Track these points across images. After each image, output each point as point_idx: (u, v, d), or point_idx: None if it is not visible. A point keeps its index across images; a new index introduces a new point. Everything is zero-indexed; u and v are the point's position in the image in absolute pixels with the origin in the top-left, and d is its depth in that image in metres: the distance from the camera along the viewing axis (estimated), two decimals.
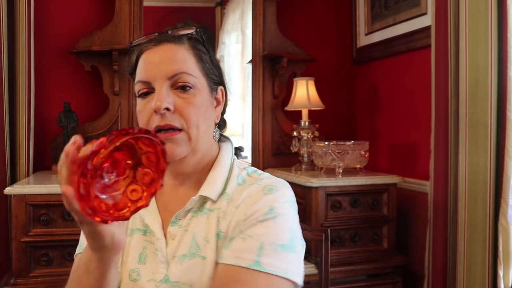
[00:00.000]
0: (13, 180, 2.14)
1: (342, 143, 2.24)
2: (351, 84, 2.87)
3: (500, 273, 1.75)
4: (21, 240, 1.82)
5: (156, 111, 0.84)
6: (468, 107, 1.81)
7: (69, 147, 0.64)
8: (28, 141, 2.20)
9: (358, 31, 2.79)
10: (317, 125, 2.44)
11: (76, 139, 0.64)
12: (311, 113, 2.49)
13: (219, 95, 0.95)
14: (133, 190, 0.68)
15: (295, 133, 2.44)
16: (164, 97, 0.84)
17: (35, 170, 2.26)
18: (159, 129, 0.84)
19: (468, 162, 1.82)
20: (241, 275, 0.78)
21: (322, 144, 2.25)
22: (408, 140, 2.42)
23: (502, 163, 1.74)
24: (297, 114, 2.51)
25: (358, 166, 2.28)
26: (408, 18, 2.35)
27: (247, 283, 0.78)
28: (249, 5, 2.84)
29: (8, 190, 1.83)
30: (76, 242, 1.70)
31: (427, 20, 2.17)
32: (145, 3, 2.48)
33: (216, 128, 0.95)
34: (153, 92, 0.87)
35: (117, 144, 0.64)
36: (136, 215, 0.89)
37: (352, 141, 2.27)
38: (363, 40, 2.76)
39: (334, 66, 2.84)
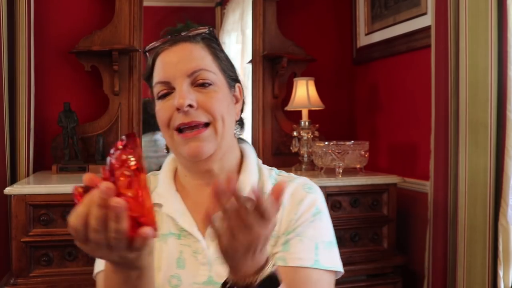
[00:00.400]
0: (13, 180, 2.14)
1: (342, 143, 2.24)
2: (351, 84, 2.87)
3: (500, 273, 1.74)
4: (21, 240, 1.82)
5: (179, 109, 0.83)
6: (468, 107, 1.81)
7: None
8: (28, 141, 2.20)
9: (358, 31, 2.79)
10: (317, 125, 2.44)
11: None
12: (311, 113, 2.49)
13: (237, 92, 0.95)
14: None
15: (295, 133, 2.44)
16: (186, 94, 0.84)
17: (35, 170, 2.26)
18: (182, 127, 0.84)
19: (468, 162, 1.82)
20: (307, 275, 0.83)
21: (322, 144, 2.25)
22: (408, 140, 2.42)
23: (502, 163, 1.74)
24: (297, 114, 2.51)
25: (358, 166, 2.28)
26: (408, 18, 2.35)
27: (315, 282, 0.83)
28: (249, 5, 2.84)
29: (8, 190, 1.83)
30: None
31: (427, 20, 2.17)
32: (145, 3, 2.48)
33: (237, 126, 0.95)
34: (172, 93, 0.86)
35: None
36: (168, 220, 0.89)
37: (352, 141, 2.27)
38: (363, 40, 2.76)
39: (334, 66, 2.84)
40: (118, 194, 0.57)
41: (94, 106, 2.45)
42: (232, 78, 0.93)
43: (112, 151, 0.61)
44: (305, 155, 2.42)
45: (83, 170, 2.24)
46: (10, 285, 1.82)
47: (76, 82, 2.43)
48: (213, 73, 0.88)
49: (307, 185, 0.92)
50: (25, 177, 2.16)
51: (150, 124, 2.96)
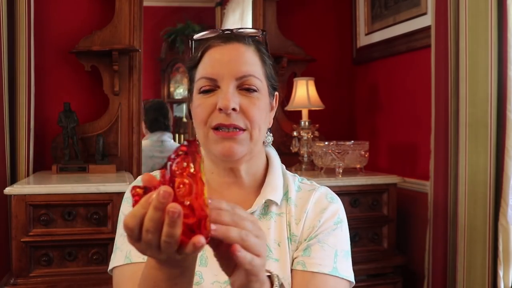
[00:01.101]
0: (13, 180, 2.14)
1: (342, 143, 2.24)
2: (351, 84, 2.87)
3: (500, 273, 1.75)
4: (21, 240, 1.82)
5: (221, 110, 0.83)
6: (468, 107, 1.81)
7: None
8: (28, 141, 2.20)
9: (358, 31, 2.79)
10: (317, 125, 2.44)
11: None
12: (311, 113, 2.49)
13: (274, 101, 0.96)
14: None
15: (295, 133, 2.44)
16: (232, 97, 0.84)
17: (35, 170, 2.26)
18: (219, 127, 0.84)
19: (468, 162, 1.82)
20: (324, 281, 0.85)
21: (322, 144, 2.25)
22: (408, 140, 2.42)
23: (502, 163, 1.74)
24: (297, 114, 2.51)
25: (358, 166, 2.28)
26: (408, 18, 2.35)
27: None
28: (249, 5, 2.84)
29: (8, 190, 1.83)
30: (75, 242, 1.71)
31: (427, 20, 2.17)
32: (145, 3, 2.48)
33: (268, 132, 0.96)
34: (215, 90, 0.86)
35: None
36: None
37: (352, 141, 2.27)
38: (363, 40, 2.76)
39: (334, 66, 2.84)
40: (175, 200, 0.58)
41: (94, 106, 2.45)
42: (274, 86, 0.94)
43: (173, 155, 0.62)
44: (305, 155, 2.42)
45: (83, 170, 2.24)
46: (10, 285, 1.82)
47: (76, 82, 2.43)
48: (260, 80, 0.88)
49: (329, 195, 0.95)
50: (25, 177, 2.16)
51: (159, 123, 2.98)
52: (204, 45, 0.89)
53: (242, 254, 0.60)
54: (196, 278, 0.86)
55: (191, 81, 0.93)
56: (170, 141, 3.01)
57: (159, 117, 2.98)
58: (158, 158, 2.83)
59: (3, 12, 2.09)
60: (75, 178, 2.04)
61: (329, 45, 2.83)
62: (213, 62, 0.87)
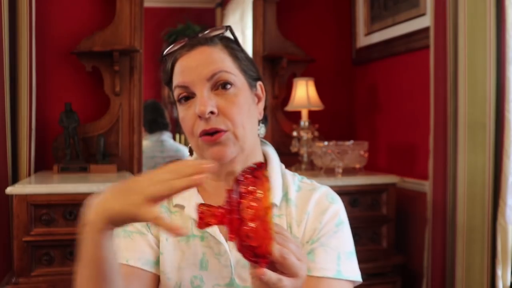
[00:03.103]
0: (15, 180, 2.15)
1: (341, 143, 2.25)
2: (351, 84, 2.88)
3: (499, 272, 1.75)
4: (23, 239, 1.83)
5: (200, 116, 0.83)
6: (467, 108, 1.82)
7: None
8: (30, 141, 2.21)
9: (358, 32, 2.80)
10: (316, 125, 2.45)
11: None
12: (311, 113, 2.50)
13: (259, 91, 0.95)
14: None
15: (295, 133, 2.45)
16: (207, 101, 0.83)
17: (36, 170, 2.27)
18: (204, 133, 0.84)
19: (467, 162, 1.82)
20: (329, 285, 0.85)
21: (321, 144, 2.25)
22: (407, 140, 2.43)
23: (501, 163, 1.75)
24: (297, 114, 2.52)
25: (357, 166, 2.29)
26: (407, 19, 2.36)
27: None
28: (249, 6, 2.85)
29: (9, 190, 1.84)
30: (77, 242, 1.70)
31: (426, 21, 2.18)
32: (146, 4, 2.49)
33: (261, 124, 0.95)
34: (193, 98, 0.86)
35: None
36: (192, 222, 0.90)
37: (352, 141, 2.28)
38: (363, 40, 2.77)
39: (334, 66, 2.85)
40: (242, 222, 0.61)
41: (95, 106, 2.46)
42: (253, 77, 0.93)
43: (241, 178, 0.64)
44: (305, 155, 2.43)
45: (84, 170, 2.25)
46: (11, 284, 1.83)
47: (77, 82, 2.44)
48: (233, 75, 0.87)
49: (330, 195, 0.94)
50: (26, 177, 2.17)
51: (158, 123, 2.98)
52: (172, 57, 0.90)
53: (266, 277, 0.62)
54: (197, 282, 0.87)
55: (172, 94, 0.93)
56: (170, 141, 3.02)
57: (156, 117, 2.99)
58: (159, 158, 2.84)
59: (5, 12, 2.10)
60: (76, 178, 2.05)
61: (328, 46, 2.84)
62: (182, 70, 0.87)
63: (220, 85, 0.86)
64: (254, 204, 0.61)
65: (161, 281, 0.88)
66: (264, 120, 0.98)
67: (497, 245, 1.75)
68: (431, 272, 2.02)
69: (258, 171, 0.63)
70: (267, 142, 1.01)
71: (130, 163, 2.41)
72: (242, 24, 3.21)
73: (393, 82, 2.54)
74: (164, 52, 0.92)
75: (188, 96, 0.87)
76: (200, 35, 0.89)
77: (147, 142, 2.91)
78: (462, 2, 1.82)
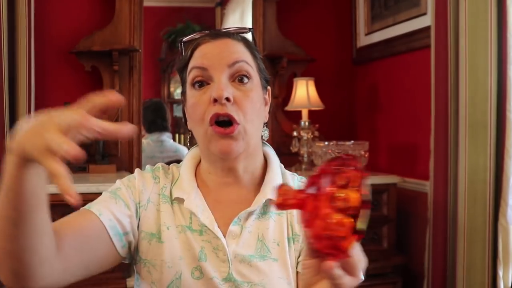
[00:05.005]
0: None
1: (342, 143, 2.24)
2: (351, 84, 2.88)
3: (500, 273, 1.75)
4: None
5: (216, 100, 0.82)
6: (468, 107, 1.82)
7: None
8: None
9: (358, 31, 2.80)
10: (317, 125, 2.45)
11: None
12: (311, 113, 2.49)
13: (267, 96, 0.96)
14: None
15: (295, 133, 2.44)
16: (225, 86, 0.83)
17: None
18: (216, 121, 0.83)
19: (468, 162, 1.82)
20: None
21: (322, 144, 2.25)
22: (408, 140, 2.43)
23: (502, 163, 1.74)
24: (297, 114, 2.51)
25: None
26: (408, 18, 2.35)
27: None
28: (249, 5, 2.84)
29: None
30: None
31: (427, 20, 2.17)
32: (145, 3, 2.48)
33: (265, 128, 0.96)
34: (208, 84, 0.86)
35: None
36: (191, 216, 0.89)
37: (352, 141, 2.27)
38: (363, 40, 2.76)
39: (334, 66, 2.84)
40: (331, 211, 0.58)
41: None
42: (266, 79, 0.94)
43: (332, 167, 0.60)
44: (305, 155, 2.43)
45: (83, 170, 2.24)
46: None
47: (77, 82, 2.43)
48: (252, 68, 0.88)
49: None
50: None
51: (157, 125, 2.98)
52: (194, 43, 0.90)
53: (335, 271, 0.60)
54: (197, 273, 0.87)
55: (182, 83, 0.93)
56: (169, 141, 3.02)
57: (156, 118, 2.98)
58: (158, 158, 2.83)
59: (4, 12, 2.09)
60: (75, 178, 2.03)
61: (329, 45, 2.83)
62: (204, 54, 0.87)
63: (238, 77, 0.86)
64: (348, 196, 0.58)
65: (160, 269, 0.87)
66: (265, 125, 0.98)
67: (498, 245, 1.75)
68: (432, 273, 2.01)
69: (356, 165, 0.60)
70: (267, 143, 1.01)
71: (130, 163, 2.40)
72: (242, 24, 3.20)
73: (394, 81, 2.54)
74: (185, 39, 0.93)
75: (203, 81, 0.86)
76: (223, 30, 0.91)
77: (147, 141, 2.90)
78: (463, 1, 1.81)
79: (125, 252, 0.87)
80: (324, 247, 0.59)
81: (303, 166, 2.43)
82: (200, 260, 0.87)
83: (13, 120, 2.17)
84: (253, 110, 0.86)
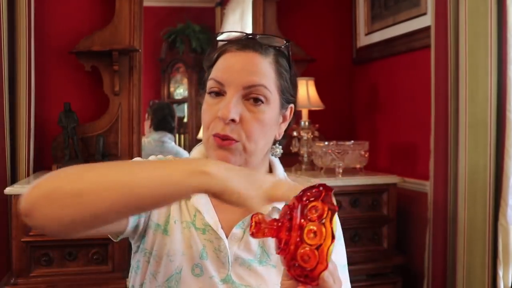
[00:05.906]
0: (14, 180, 2.14)
1: (342, 143, 2.24)
2: (351, 84, 2.88)
3: (500, 272, 1.75)
4: (22, 240, 1.83)
5: (221, 119, 0.83)
6: (468, 107, 1.82)
7: None
8: (29, 141, 2.20)
9: (358, 31, 2.80)
10: (317, 125, 2.44)
11: None
12: (311, 113, 2.49)
13: (287, 112, 0.94)
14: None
15: (295, 133, 2.44)
16: (233, 107, 0.83)
17: (35, 170, 2.27)
18: (216, 135, 0.84)
19: (468, 162, 1.82)
20: None
21: (322, 144, 2.25)
22: (408, 140, 2.43)
23: (502, 163, 1.74)
24: (297, 114, 2.50)
25: (358, 166, 2.28)
26: (408, 18, 2.35)
27: None
28: (249, 5, 2.84)
29: (8, 190, 1.84)
30: (75, 242, 1.71)
31: (427, 20, 2.17)
32: (145, 3, 2.48)
33: (277, 145, 0.95)
34: (223, 95, 0.86)
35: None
36: (196, 213, 0.91)
37: (352, 141, 2.27)
38: (363, 40, 2.76)
39: (334, 66, 2.84)
40: (301, 243, 0.62)
41: (94, 106, 2.45)
42: (288, 100, 0.93)
43: (305, 198, 0.63)
44: (305, 155, 2.43)
45: None
46: (10, 284, 1.82)
47: (76, 82, 2.43)
48: (270, 92, 0.87)
49: None
50: (25, 177, 2.16)
51: (166, 122, 3.03)
52: (221, 49, 0.89)
53: None
54: (197, 270, 0.88)
55: (205, 79, 0.93)
56: (171, 143, 3.04)
57: (167, 116, 3.04)
58: None
59: (3, 12, 2.09)
60: None
61: (329, 45, 2.83)
62: (225, 67, 0.87)
63: (253, 99, 0.85)
64: (317, 229, 0.61)
65: (163, 262, 0.88)
66: (282, 141, 0.97)
67: (498, 245, 1.75)
68: (432, 273, 2.01)
69: (326, 197, 0.63)
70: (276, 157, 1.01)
71: None
72: (242, 23, 3.20)
73: (394, 81, 2.54)
74: (218, 37, 0.92)
75: (219, 91, 0.86)
76: (258, 36, 0.89)
77: (148, 139, 2.93)
78: (463, 1, 1.81)
79: (131, 226, 0.86)
80: (295, 275, 0.63)
81: (303, 166, 2.43)
82: (201, 258, 0.88)
83: (13, 120, 2.17)
84: (260, 131, 0.86)
